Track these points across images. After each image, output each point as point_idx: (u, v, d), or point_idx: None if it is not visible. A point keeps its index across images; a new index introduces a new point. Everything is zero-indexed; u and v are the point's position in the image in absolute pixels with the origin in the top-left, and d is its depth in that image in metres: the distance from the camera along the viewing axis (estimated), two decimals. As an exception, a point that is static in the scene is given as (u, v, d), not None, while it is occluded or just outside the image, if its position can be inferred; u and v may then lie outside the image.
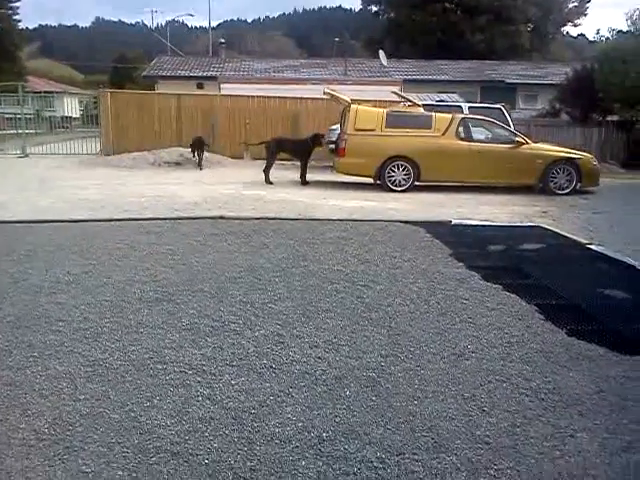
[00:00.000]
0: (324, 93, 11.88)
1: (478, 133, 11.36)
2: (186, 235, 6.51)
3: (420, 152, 10.98)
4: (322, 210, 8.65)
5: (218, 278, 4.93)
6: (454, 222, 7.80)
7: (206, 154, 15.77)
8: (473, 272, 5.35)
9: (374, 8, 42.09)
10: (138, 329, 3.79)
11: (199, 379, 3.12)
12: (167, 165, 14.63)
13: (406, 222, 7.60)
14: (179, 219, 7.44)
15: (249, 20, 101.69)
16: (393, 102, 16.59)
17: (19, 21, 36.32)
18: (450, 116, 11.28)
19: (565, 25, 38.90)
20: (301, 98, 17.56)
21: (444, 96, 20.13)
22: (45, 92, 46.94)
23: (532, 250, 6.52)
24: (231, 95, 17.71)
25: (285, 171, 13.75)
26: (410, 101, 12.01)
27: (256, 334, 3.76)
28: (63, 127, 32.31)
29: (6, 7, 35.18)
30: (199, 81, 25.50)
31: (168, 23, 53.45)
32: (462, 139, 11.11)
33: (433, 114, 11.36)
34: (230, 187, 11.11)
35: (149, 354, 3.42)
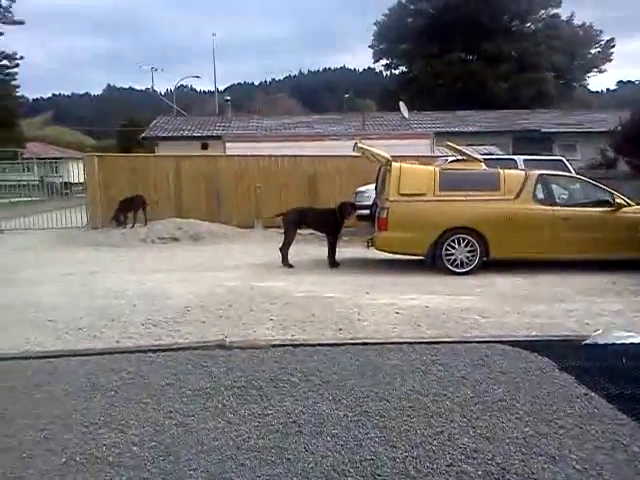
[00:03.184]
0: (355, 149, 9.31)
1: (561, 194, 8.68)
2: (156, 396, 3.73)
3: (487, 221, 8.28)
4: (371, 315, 5.88)
5: None
6: (588, 340, 4.95)
7: (211, 226, 13.25)
8: None
9: (384, 61, 40.50)
10: None
11: None
12: (161, 241, 12.03)
13: (511, 343, 4.77)
14: (152, 351, 4.66)
15: (256, 83, 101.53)
16: (425, 158, 14.15)
17: (17, 87, 34.70)
18: (523, 173, 8.62)
19: (590, 71, 36.91)
20: (319, 156, 15.10)
21: (481, 149, 17.70)
22: (50, 158, 45.60)
23: None
24: (238, 156, 15.29)
25: (304, 245, 11.07)
26: (467, 155, 9.39)
27: None
28: (62, 194, 30.34)
29: (3, 72, 33.68)
30: (203, 141, 23.33)
31: (176, 88, 52.37)
32: (542, 202, 8.42)
33: (500, 171, 8.71)
34: (237, 274, 8.41)
35: None
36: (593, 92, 44.29)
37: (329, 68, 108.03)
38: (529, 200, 8.37)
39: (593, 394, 3.74)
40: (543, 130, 24.04)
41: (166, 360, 4.42)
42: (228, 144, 16.54)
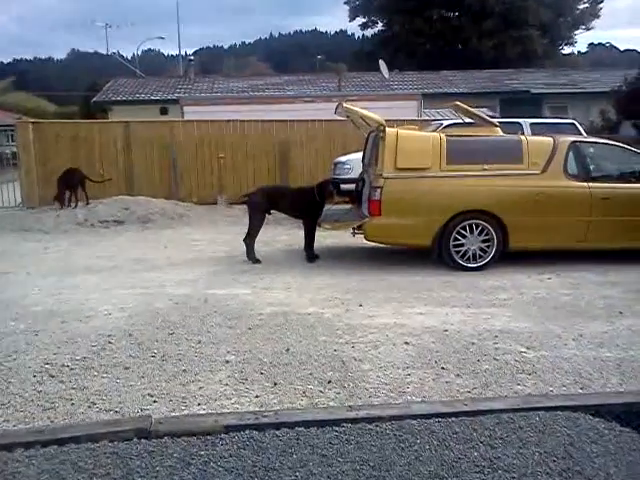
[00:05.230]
0: (339, 110, 7.39)
1: (599, 166, 6.97)
2: None
3: (507, 203, 6.55)
4: (372, 348, 4.11)
5: None
6: None
7: (165, 204, 11.26)
8: None
9: (360, 19, 38.00)
10: None
11: None
12: (102, 225, 10.03)
13: (597, 410, 3.06)
14: (25, 445, 2.81)
15: (225, 46, 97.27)
16: (415, 122, 12.29)
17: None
18: (550, 141, 6.84)
19: (577, 28, 35.03)
20: (292, 121, 13.11)
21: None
22: (4, 125, 42.44)
23: None
24: (198, 121, 13.19)
25: (275, 228, 9.26)
26: (480, 118, 7.57)
27: None
28: (13, 164, 27.67)
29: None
30: (162, 105, 21.02)
31: (143, 52, 49.11)
32: (575, 178, 6.69)
33: (522, 138, 6.94)
34: (188, 274, 6.56)
35: None
36: (566, 54, 42.22)
37: (300, 31, 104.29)
38: (559, 175, 6.62)
39: None
40: (533, 91, 22.29)
41: (39, 471, 2.60)
42: (186, 108, 14.39)
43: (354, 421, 2.98)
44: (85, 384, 3.61)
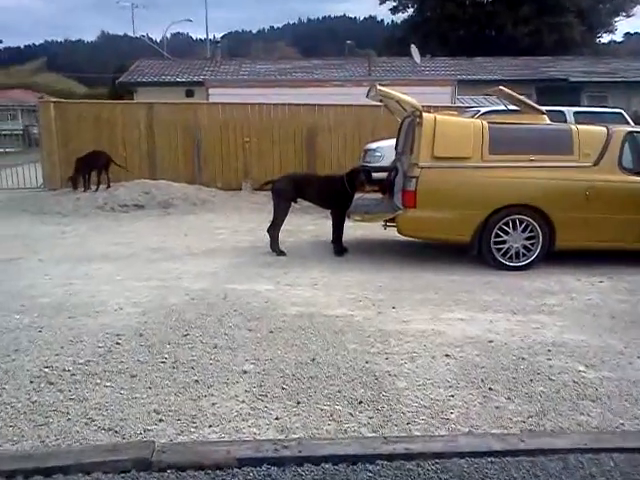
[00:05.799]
0: (373, 93, 6.82)
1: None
2: None
3: (555, 198, 5.98)
4: (408, 361, 3.63)
5: None
6: None
7: (187, 189, 10.89)
8: None
9: (391, 3, 36.98)
10: None
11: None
12: (122, 209, 9.67)
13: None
14: (9, 476, 2.42)
15: (254, 31, 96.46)
16: (449, 108, 11.70)
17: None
18: (604, 131, 6.23)
19: (618, 15, 33.60)
20: (320, 105, 12.59)
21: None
22: (33, 106, 42.88)
23: None
24: (222, 104, 12.75)
25: (301, 217, 8.79)
26: (526, 105, 6.98)
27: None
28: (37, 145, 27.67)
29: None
30: (188, 87, 20.62)
31: (172, 35, 48.80)
32: (631, 172, 6.09)
33: (572, 127, 6.35)
34: (208, 266, 6.14)
35: None
36: (604, 43, 40.47)
37: (329, 16, 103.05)
38: (613, 168, 6.03)
39: None
40: (572, 79, 21.35)
41: (20, 509, 2.19)
42: (212, 90, 13.93)
43: (390, 457, 2.52)
44: (85, 394, 3.21)
